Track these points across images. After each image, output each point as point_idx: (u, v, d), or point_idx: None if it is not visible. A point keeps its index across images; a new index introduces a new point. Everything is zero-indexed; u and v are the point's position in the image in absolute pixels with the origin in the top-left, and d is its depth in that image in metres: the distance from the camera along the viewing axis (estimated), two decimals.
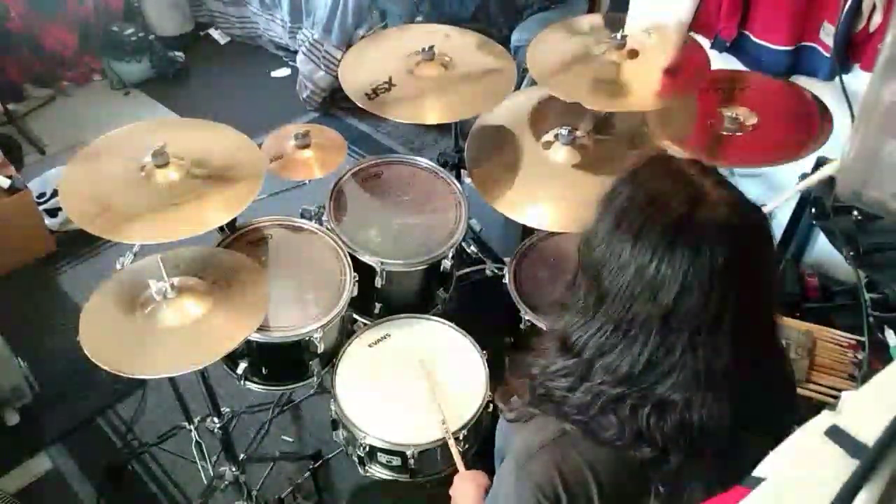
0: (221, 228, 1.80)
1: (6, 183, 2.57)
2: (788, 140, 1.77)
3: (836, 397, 0.65)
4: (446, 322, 1.84)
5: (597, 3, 3.15)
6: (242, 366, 1.72)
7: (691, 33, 2.06)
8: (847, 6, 1.81)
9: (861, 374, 1.60)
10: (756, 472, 0.66)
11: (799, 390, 1.57)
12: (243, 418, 2.12)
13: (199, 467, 1.96)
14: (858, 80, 1.90)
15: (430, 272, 1.92)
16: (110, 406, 2.27)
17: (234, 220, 1.76)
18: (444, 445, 1.59)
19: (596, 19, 2.19)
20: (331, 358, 1.78)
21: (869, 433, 0.59)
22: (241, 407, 2.12)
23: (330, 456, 2.03)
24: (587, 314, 0.89)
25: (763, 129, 1.76)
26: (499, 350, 1.84)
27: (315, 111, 3.51)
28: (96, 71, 3.72)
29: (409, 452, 1.60)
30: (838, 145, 1.68)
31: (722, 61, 2.19)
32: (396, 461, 1.65)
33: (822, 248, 2.15)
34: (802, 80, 2.04)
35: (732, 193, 0.84)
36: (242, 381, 1.76)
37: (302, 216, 1.97)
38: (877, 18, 1.80)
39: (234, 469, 1.88)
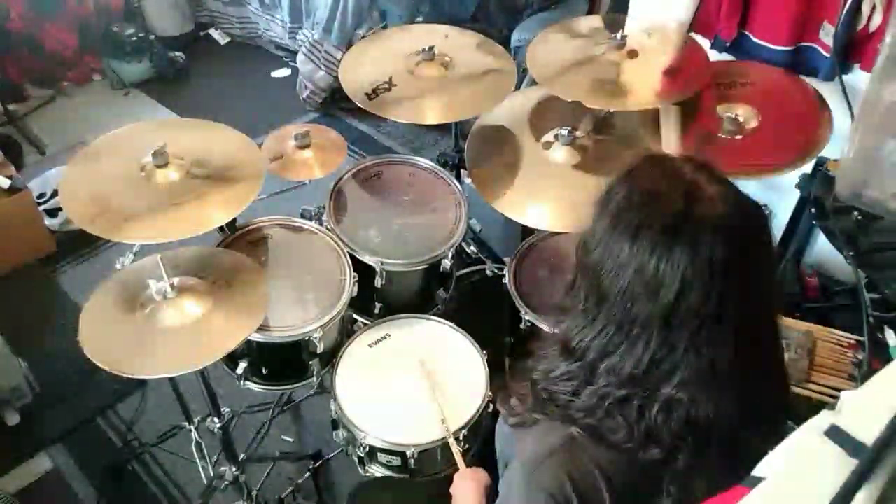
0: (221, 228, 1.80)
1: (6, 183, 2.56)
2: (790, 143, 1.74)
3: (836, 397, 0.65)
4: (446, 322, 1.84)
5: (597, 3, 3.15)
6: (242, 366, 1.72)
7: (691, 34, 2.06)
8: (847, 6, 1.81)
9: (861, 374, 1.59)
10: (756, 472, 0.66)
11: (799, 390, 1.58)
12: (243, 418, 2.12)
13: (199, 467, 1.95)
14: (858, 80, 1.91)
15: (430, 272, 1.92)
16: (110, 406, 2.27)
17: (234, 220, 1.76)
18: (444, 445, 1.59)
19: (596, 20, 2.19)
20: (331, 358, 1.78)
21: (868, 433, 0.59)
22: (241, 407, 2.11)
23: (330, 456, 2.03)
24: (588, 316, 0.88)
25: (763, 131, 1.74)
26: (499, 350, 1.84)
27: (315, 111, 3.51)
28: (96, 71, 3.72)
29: (409, 452, 1.60)
30: (838, 145, 1.69)
31: None
32: (396, 461, 1.65)
33: (822, 248, 2.15)
34: None
35: (729, 189, 0.84)
36: (242, 381, 1.75)
37: (302, 216, 1.97)
38: (877, 18, 1.80)
39: (234, 469, 1.88)
